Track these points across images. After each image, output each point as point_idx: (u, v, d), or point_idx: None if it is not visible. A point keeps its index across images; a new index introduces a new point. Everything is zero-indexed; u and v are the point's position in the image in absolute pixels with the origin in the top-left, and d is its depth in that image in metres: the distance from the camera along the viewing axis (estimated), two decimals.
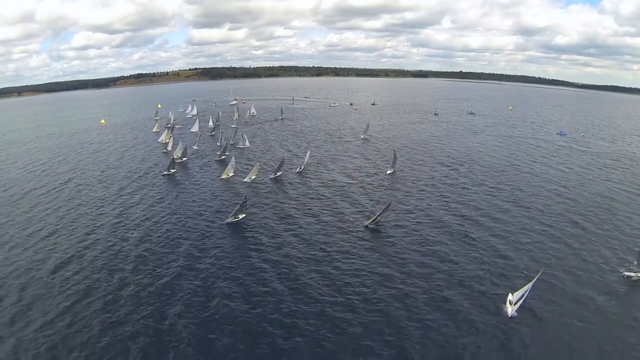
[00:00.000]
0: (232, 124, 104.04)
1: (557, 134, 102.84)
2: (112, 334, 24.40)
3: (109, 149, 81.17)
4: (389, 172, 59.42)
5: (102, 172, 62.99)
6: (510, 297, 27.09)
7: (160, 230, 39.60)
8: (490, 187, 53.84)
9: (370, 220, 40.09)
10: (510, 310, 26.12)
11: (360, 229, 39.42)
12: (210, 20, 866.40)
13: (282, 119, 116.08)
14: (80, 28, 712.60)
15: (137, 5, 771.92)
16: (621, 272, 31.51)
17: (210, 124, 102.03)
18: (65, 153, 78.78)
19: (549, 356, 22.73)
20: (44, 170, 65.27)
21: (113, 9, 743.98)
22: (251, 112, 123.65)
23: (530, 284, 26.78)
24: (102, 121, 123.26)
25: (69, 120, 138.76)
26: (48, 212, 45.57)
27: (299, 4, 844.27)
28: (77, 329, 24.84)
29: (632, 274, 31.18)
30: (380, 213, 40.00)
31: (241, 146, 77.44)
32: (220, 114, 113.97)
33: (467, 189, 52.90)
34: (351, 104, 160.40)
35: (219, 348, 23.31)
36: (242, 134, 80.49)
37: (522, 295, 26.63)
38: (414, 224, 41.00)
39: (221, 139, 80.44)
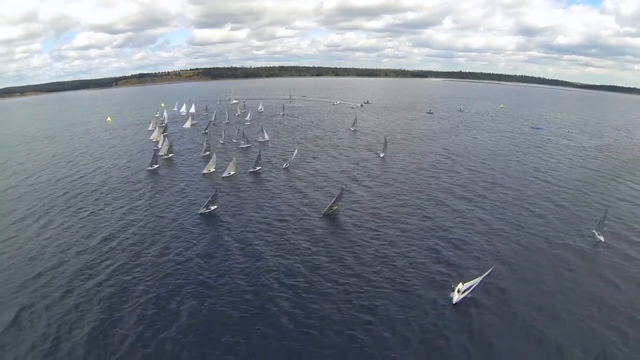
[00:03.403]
0: (247, 122, 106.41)
1: (532, 128, 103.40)
2: (74, 314, 25.54)
3: (106, 145, 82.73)
4: (381, 155, 66.87)
5: (91, 168, 63.90)
6: (460, 285, 27.31)
7: (135, 219, 40.69)
8: (468, 176, 55.94)
9: (325, 209, 41.34)
10: (457, 297, 26.59)
11: (318, 218, 40.65)
12: (212, 20, 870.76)
13: (283, 114, 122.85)
14: (82, 28, 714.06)
15: (140, 5, 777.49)
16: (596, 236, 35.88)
17: (227, 119, 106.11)
18: (77, 149, 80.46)
19: (481, 346, 22.98)
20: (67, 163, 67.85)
21: (115, 9, 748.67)
22: (259, 108, 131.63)
23: (480, 278, 27.27)
24: (109, 119, 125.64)
25: (77, 118, 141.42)
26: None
27: (301, 4, 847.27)
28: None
29: (599, 237, 35.68)
30: (334, 202, 41.10)
31: (261, 140, 79.13)
32: (216, 113, 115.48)
33: (443, 178, 54.40)
34: (362, 105, 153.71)
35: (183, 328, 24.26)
36: (262, 128, 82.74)
37: (471, 287, 27.15)
38: (380, 207, 42.29)
39: (223, 135, 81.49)
